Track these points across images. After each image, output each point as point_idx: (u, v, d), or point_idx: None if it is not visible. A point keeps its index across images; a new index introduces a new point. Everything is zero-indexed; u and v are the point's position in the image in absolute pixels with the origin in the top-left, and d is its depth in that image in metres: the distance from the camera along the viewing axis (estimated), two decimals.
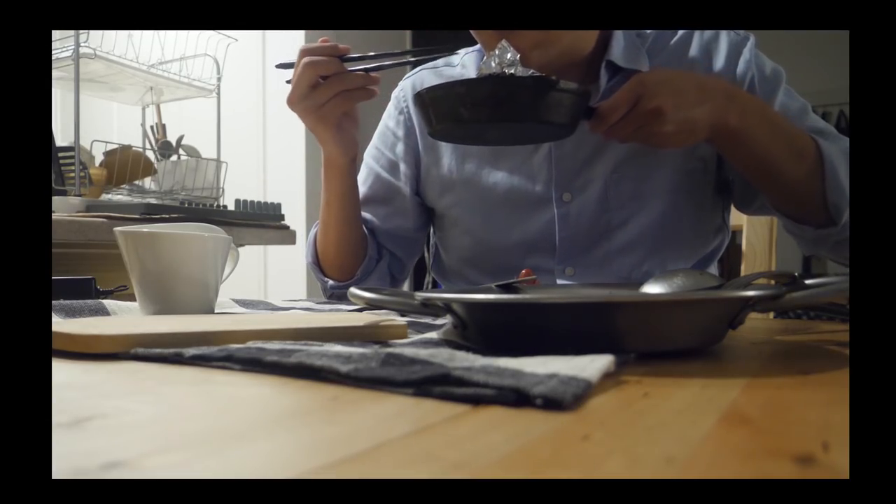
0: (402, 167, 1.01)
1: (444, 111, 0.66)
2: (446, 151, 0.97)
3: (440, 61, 1.04)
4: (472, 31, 0.87)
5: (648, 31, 0.91)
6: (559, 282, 0.90)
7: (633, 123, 0.68)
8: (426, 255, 1.14)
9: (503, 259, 0.93)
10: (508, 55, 0.65)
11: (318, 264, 0.99)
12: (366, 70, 0.78)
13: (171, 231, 0.71)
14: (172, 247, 0.68)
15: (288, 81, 0.80)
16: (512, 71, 0.65)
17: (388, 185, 1.01)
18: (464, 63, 1.00)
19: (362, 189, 1.02)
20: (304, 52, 0.76)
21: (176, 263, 0.68)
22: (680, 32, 0.91)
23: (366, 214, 1.01)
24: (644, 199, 0.89)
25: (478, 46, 0.98)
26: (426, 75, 1.03)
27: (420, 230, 1.04)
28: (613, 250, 0.89)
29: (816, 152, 0.75)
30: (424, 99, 0.67)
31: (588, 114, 0.69)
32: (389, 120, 1.04)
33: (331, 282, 0.97)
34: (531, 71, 0.66)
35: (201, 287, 0.69)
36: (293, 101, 0.79)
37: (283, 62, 0.81)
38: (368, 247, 0.97)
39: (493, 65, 0.65)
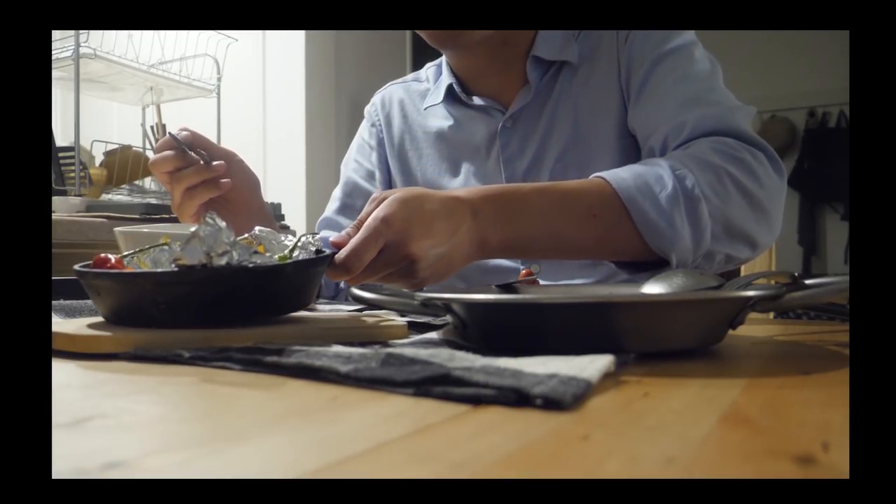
0: (378, 175, 1.05)
1: (124, 306, 0.47)
2: (413, 159, 1.01)
3: (410, 76, 1.07)
4: (420, 33, 0.86)
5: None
6: None
7: (381, 271, 0.58)
8: None
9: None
10: (223, 236, 0.47)
11: None
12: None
13: (171, 230, 0.71)
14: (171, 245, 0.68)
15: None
16: (225, 260, 0.46)
17: (366, 193, 1.03)
18: (428, 77, 1.03)
19: (341, 199, 1.05)
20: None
21: None
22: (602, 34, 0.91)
23: (343, 220, 1.02)
24: None
25: (438, 60, 1.02)
26: (395, 90, 1.06)
27: None
28: None
29: (614, 199, 0.65)
30: (93, 283, 0.48)
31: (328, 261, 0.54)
32: (364, 132, 1.08)
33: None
34: (253, 249, 0.50)
35: None
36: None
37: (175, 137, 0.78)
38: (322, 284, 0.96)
39: (199, 251, 0.46)
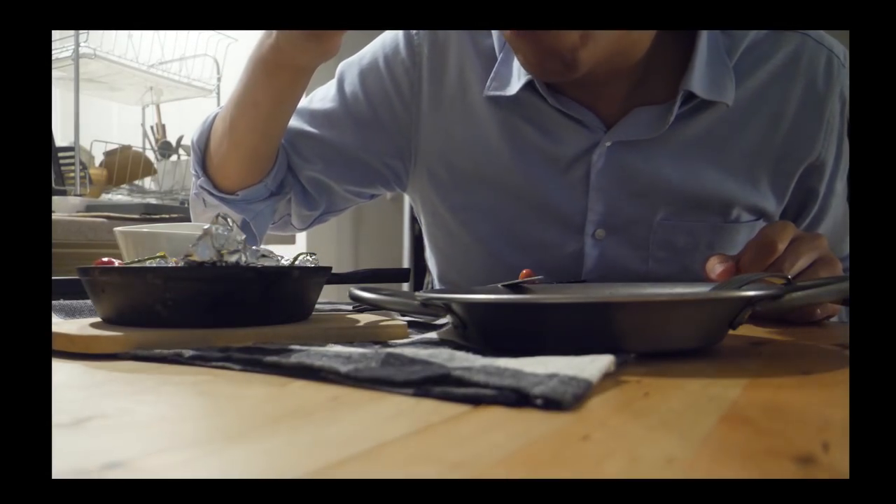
0: (386, 136, 0.79)
1: (130, 304, 0.47)
2: (465, 136, 0.78)
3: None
4: (501, 33, 0.72)
5: (739, 37, 0.73)
6: None
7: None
8: (427, 256, 1.12)
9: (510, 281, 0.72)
10: (235, 235, 0.48)
11: (202, 153, 0.79)
12: None
13: (171, 231, 0.71)
14: (171, 245, 0.68)
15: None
16: (235, 259, 0.47)
17: (357, 136, 0.80)
18: (493, 38, 0.78)
19: (326, 104, 0.80)
20: None
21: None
22: (779, 57, 0.73)
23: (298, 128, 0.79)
24: (693, 254, 0.75)
25: None
26: (453, 33, 0.80)
27: (363, 197, 0.87)
28: None
29: None
30: (100, 284, 0.47)
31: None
32: (392, 51, 0.79)
33: (204, 181, 0.78)
34: (261, 252, 0.51)
35: None
36: None
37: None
38: (273, 171, 0.76)
39: (211, 248, 0.46)
